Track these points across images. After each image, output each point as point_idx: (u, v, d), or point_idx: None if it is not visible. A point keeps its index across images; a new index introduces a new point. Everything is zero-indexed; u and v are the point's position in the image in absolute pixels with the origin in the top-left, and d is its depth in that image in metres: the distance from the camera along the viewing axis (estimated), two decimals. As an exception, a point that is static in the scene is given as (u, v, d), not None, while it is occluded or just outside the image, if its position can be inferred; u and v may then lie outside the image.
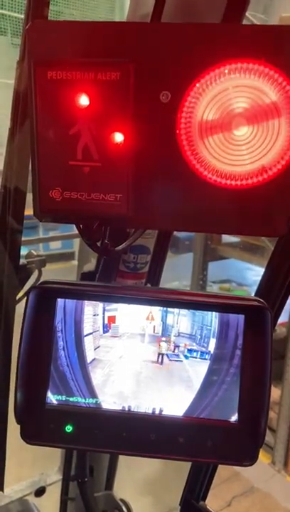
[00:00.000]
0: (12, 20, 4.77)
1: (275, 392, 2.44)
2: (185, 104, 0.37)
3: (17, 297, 0.73)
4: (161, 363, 0.49)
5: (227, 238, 3.50)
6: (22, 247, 0.73)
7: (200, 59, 0.37)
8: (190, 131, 0.37)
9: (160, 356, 0.49)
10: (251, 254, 3.23)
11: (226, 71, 0.35)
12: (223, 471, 2.28)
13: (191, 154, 0.38)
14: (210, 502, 0.78)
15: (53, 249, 5.20)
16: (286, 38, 0.36)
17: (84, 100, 0.40)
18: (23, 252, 0.81)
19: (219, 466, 0.77)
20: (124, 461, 1.03)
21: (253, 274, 4.14)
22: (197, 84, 0.36)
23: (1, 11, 4.72)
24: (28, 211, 0.60)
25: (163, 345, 0.49)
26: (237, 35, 0.37)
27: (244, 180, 0.38)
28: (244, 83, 0.35)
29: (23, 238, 0.70)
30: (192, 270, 3.49)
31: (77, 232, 0.48)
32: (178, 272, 3.96)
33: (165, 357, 0.49)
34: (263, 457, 2.44)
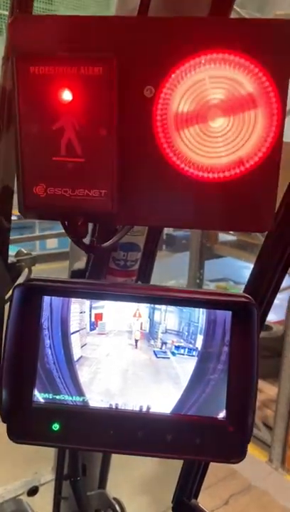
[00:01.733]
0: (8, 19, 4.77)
1: (272, 390, 2.44)
2: (161, 96, 0.37)
3: (6, 296, 0.72)
4: (136, 346, 0.48)
5: (223, 237, 3.50)
6: (18, 246, 0.73)
7: (176, 50, 0.37)
8: (166, 123, 0.37)
9: (136, 342, 0.49)
10: (247, 252, 3.24)
11: (202, 61, 0.35)
12: (220, 469, 2.28)
13: (167, 147, 0.38)
14: (207, 500, 0.78)
15: (49, 248, 5.20)
16: (261, 29, 0.36)
17: (67, 95, 0.40)
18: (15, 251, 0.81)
19: (215, 464, 0.77)
20: (117, 460, 1.02)
21: (249, 272, 4.14)
22: (173, 75, 0.36)
23: (-5, 10, 4.72)
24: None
25: (137, 333, 0.48)
26: (214, 27, 0.37)
27: (221, 172, 0.37)
28: (220, 74, 0.35)
29: (19, 236, 0.70)
30: (188, 269, 3.49)
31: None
32: (174, 271, 3.96)
33: (140, 342, 0.49)
34: (260, 455, 2.44)
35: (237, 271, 4.63)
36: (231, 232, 3.19)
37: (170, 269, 4.04)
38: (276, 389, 2.38)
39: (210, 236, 3.36)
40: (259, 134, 0.35)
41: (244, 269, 4.49)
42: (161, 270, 0.91)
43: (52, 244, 5.27)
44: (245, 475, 2.33)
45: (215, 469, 0.74)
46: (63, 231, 0.46)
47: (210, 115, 0.36)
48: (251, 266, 0.67)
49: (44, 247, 5.14)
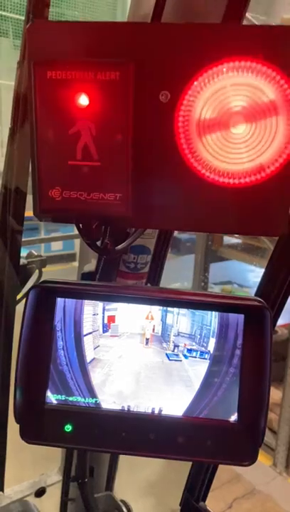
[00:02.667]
0: (14, 21, 4.79)
1: (276, 394, 2.43)
2: (182, 102, 0.37)
3: (17, 297, 0.73)
4: (147, 344, 0.49)
5: (228, 240, 3.50)
6: (23, 248, 0.73)
7: (198, 58, 0.37)
8: (188, 129, 0.37)
9: (146, 340, 0.49)
10: (252, 255, 3.23)
11: (224, 69, 0.35)
12: (224, 473, 2.28)
13: (189, 153, 0.38)
14: (211, 504, 0.78)
15: (55, 250, 5.21)
16: (284, 36, 0.36)
17: (83, 100, 0.40)
18: (24, 253, 0.82)
19: (220, 467, 0.77)
20: (125, 462, 1.03)
21: (254, 275, 4.15)
22: (195, 83, 0.36)
23: (2, 12, 4.74)
24: (29, 213, 0.60)
25: (147, 331, 0.49)
26: (236, 34, 0.37)
27: (242, 178, 0.38)
28: (242, 81, 0.35)
29: (23, 239, 0.70)
30: (193, 272, 3.49)
31: (77, 232, 0.48)
32: (179, 274, 3.96)
33: (151, 343, 0.49)
34: (264, 459, 2.43)
35: (241, 274, 4.63)
36: (236, 235, 3.19)
37: (175, 272, 4.04)
38: (281, 393, 2.37)
39: (215, 239, 3.36)
40: (280, 140, 0.36)
41: (249, 272, 4.49)
42: (166, 273, 0.92)
43: (57, 247, 5.28)
44: (249, 479, 2.32)
45: (219, 473, 0.74)
46: (68, 234, 0.47)
47: (232, 122, 0.36)
48: (256, 269, 0.67)
49: (49, 249, 5.15)
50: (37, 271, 0.79)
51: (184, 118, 0.37)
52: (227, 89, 0.35)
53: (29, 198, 0.56)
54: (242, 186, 0.38)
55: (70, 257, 5.10)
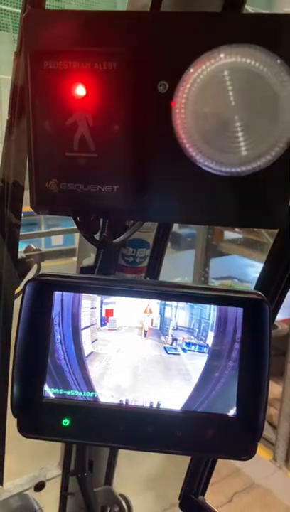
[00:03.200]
0: (14, 15, 4.78)
1: (276, 389, 2.44)
2: (180, 90, 0.37)
3: (16, 291, 0.73)
4: (145, 336, 0.49)
5: (228, 235, 3.50)
6: (22, 242, 0.73)
7: (196, 45, 0.36)
8: (185, 117, 0.37)
9: (145, 332, 0.49)
10: (252, 250, 3.23)
11: (222, 56, 0.35)
12: (224, 467, 2.28)
13: (187, 142, 0.37)
14: (211, 498, 0.78)
15: (55, 245, 5.21)
16: (282, 23, 0.35)
17: (80, 90, 0.40)
18: (23, 247, 0.81)
19: (220, 461, 0.77)
20: (124, 456, 1.03)
21: (255, 270, 4.15)
22: (192, 70, 0.36)
23: (2, 6, 4.72)
24: (28, 208, 0.59)
25: (145, 324, 0.49)
26: (234, 22, 0.37)
27: (239, 167, 0.37)
28: (240, 68, 0.34)
29: (23, 233, 0.70)
30: (193, 267, 3.49)
31: (76, 227, 0.47)
32: (179, 269, 3.96)
33: (148, 333, 0.49)
34: (264, 453, 2.44)
35: (242, 269, 4.63)
36: (236, 229, 3.19)
37: (175, 267, 4.05)
38: (281, 388, 2.38)
39: (216, 234, 3.36)
40: (278, 128, 0.35)
41: (249, 267, 4.49)
42: (166, 268, 0.92)
43: (57, 241, 5.28)
44: (249, 473, 2.33)
45: (219, 467, 0.74)
46: (66, 228, 0.46)
47: (230, 110, 0.36)
48: (257, 264, 0.67)
49: (50, 244, 5.14)
50: (35, 265, 0.79)
51: (181, 106, 0.37)
52: (224, 76, 0.35)
53: (28, 193, 0.56)
54: (240, 176, 0.38)
55: (71, 252, 5.08)
